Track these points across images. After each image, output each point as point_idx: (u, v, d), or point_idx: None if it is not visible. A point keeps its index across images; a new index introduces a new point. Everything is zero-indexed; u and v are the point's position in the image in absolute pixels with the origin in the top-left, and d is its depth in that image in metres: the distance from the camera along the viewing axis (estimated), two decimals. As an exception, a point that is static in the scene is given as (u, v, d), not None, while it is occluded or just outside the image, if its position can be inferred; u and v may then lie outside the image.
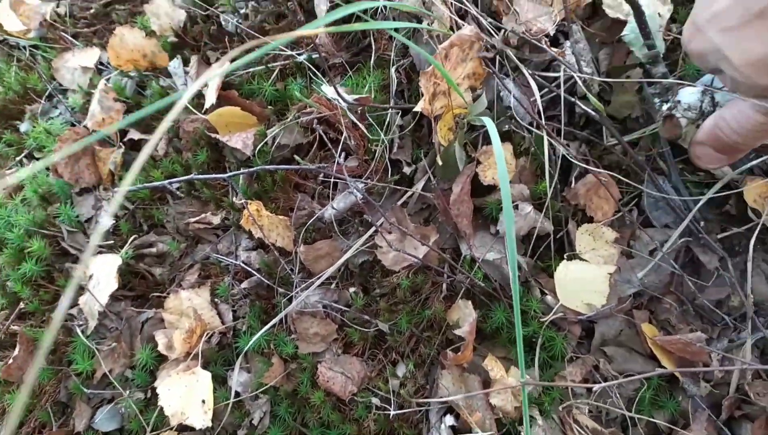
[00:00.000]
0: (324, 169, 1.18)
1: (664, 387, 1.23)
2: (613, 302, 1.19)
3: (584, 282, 1.22)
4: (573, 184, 1.27)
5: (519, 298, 1.19)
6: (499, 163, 0.82)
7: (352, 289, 1.30)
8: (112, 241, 1.41)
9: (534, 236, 1.25)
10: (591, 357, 1.24)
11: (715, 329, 1.23)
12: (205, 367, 1.28)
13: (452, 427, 1.17)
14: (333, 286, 1.31)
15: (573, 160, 1.19)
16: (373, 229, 1.24)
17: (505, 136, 1.25)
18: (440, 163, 1.20)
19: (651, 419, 1.22)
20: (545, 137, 1.16)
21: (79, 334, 1.29)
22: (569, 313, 1.22)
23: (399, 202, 1.26)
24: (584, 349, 1.26)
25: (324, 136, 1.27)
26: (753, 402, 1.16)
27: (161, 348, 1.28)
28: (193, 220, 1.39)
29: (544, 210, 1.23)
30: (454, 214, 1.21)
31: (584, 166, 1.20)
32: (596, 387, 0.88)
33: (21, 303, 1.33)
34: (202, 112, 1.41)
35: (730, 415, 1.20)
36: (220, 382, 1.29)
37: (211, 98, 1.38)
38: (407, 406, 1.22)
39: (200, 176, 1.34)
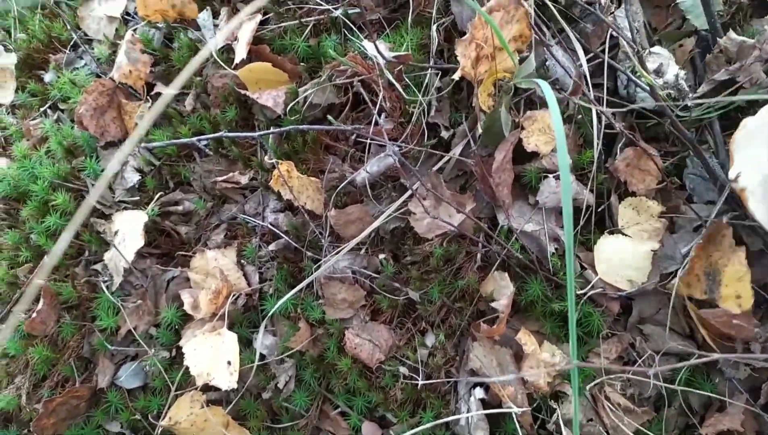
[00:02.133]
0: (359, 130, 1.13)
1: (700, 368, 1.19)
2: (655, 278, 1.15)
3: (625, 257, 1.17)
4: (617, 156, 1.21)
5: (558, 272, 1.15)
6: (557, 131, 0.76)
7: (382, 256, 1.26)
8: (138, 198, 1.38)
9: (580, 209, 1.21)
10: (627, 334, 1.20)
11: (758, 312, 1.18)
12: (230, 328, 1.26)
13: (482, 400, 1.15)
14: (363, 251, 1.28)
15: (619, 129, 1.13)
16: (407, 194, 1.20)
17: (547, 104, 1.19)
18: (482, 128, 1.14)
19: (685, 400, 1.19)
20: (593, 106, 1.10)
21: (104, 289, 1.27)
22: (608, 289, 1.18)
23: (435, 168, 1.22)
24: (620, 326, 1.22)
25: (360, 97, 1.22)
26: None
27: (187, 307, 1.26)
28: (220, 178, 1.36)
29: (590, 182, 1.18)
30: (494, 183, 1.16)
31: (630, 135, 1.14)
32: (630, 369, 0.85)
33: (45, 257, 1.31)
34: (232, 67, 1.35)
35: (767, 401, 1.17)
36: (244, 344, 1.27)
37: (241, 53, 1.33)
38: (435, 377, 1.19)
39: (229, 134, 1.30)
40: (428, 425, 1.14)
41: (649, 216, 1.20)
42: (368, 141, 1.11)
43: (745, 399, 1.16)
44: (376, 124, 1.14)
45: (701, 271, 1.12)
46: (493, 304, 1.11)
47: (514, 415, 1.06)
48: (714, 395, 1.17)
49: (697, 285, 1.13)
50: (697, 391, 1.17)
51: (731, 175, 1.06)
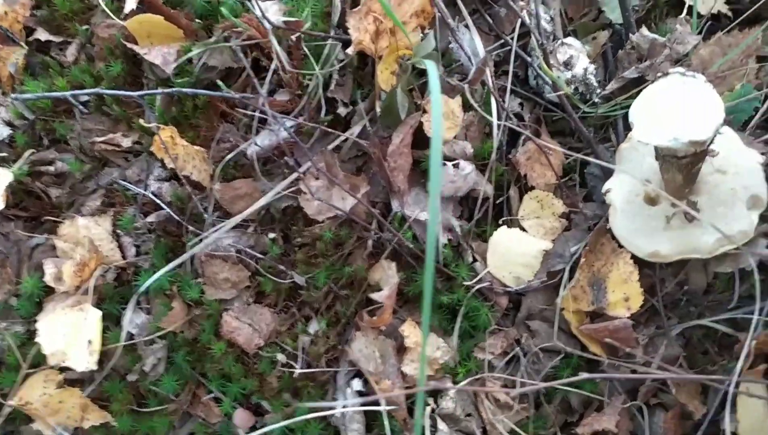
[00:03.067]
0: (248, 100, 1.04)
1: (583, 367, 1.18)
2: (542, 277, 1.13)
3: (517, 253, 1.15)
4: (520, 148, 1.18)
5: (450, 264, 1.11)
6: (433, 108, 0.70)
7: (271, 235, 1.19)
8: (6, 154, 1.24)
9: (474, 199, 1.17)
10: (514, 330, 1.18)
11: (644, 315, 1.19)
12: (99, 304, 1.16)
13: (359, 392, 1.10)
14: (251, 230, 1.20)
15: (515, 127, 1.10)
16: (298, 172, 1.12)
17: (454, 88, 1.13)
18: (380, 108, 1.08)
19: (566, 398, 1.18)
20: (493, 94, 1.06)
21: (-47, 253, 1.14)
22: (496, 284, 1.15)
23: (331, 147, 1.15)
24: (509, 322, 1.20)
25: (256, 63, 1.12)
26: (670, 392, 1.13)
27: (48, 278, 1.15)
28: (99, 139, 1.24)
29: (487, 172, 1.14)
30: (389, 167, 1.10)
31: (526, 133, 1.10)
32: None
33: None
34: (121, 17, 1.23)
35: (645, 402, 1.17)
36: (115, 321, 1.18)
37: (131, 2, 1.20)
38: (315, 366, 1.13)
39: (109, 91, 1.19)
40: (303, 417, 1.08)
41: (551, 213, 1.17)
42: (256, 113, 1.02)
43: (623, 399, 1.17)
44: (270, 94, 1.06)
45: (585, 282, 1.11)
46: (374, 296, 1.06)
47: (383, 412, 1.02)
48: (593, 395, 1.17)
49: (584, 297, 1.12)
50: (578, 390, 1.17)
51: (605, 187, 1.05)
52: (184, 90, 1.02)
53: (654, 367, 1.16)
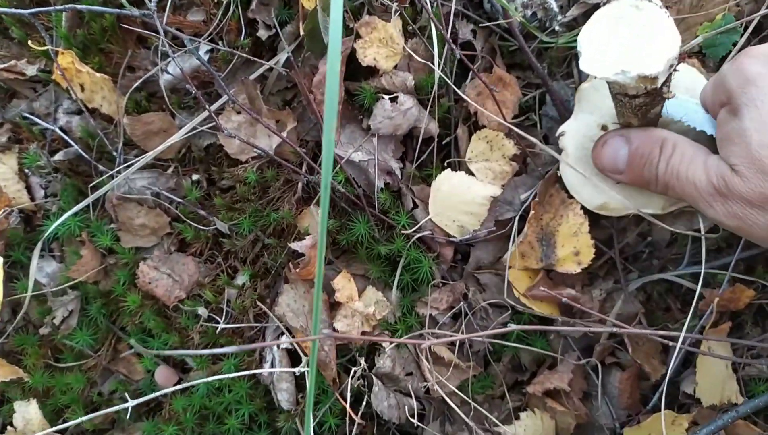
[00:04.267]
0: (150, 18, 0.89)
1: (534, 322, 1.09)
2: (489, 226, 1.02)
3: (461, 199, 1.02)
4: (469, 82, 1.04)
5: (389, 211, 1.00)
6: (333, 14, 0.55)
7: (194, 177, 1.07)
8: None
9: (416, 139, 1.04)
10: (461, 284, 1.08)
11: (603, 268, 1.09)
12: (6, 250, 1.06)
13: (287, 350, 1.02)
14: (171, 171, 1.08)
15: (464, 60, 0.95)
16: (215, 105, 0.99)
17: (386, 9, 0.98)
18: (304, 32, 0.93)
19: (516, 356, 1.10)
20: (429, 16, 0.91)
21: None
22: (438, 233, 1.04)
23: (254, 76, 1.01)
24: (457, 274, 1.10)
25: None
26: (626, 351, 1.05)
27: (-55, 223, 1.04)
28: (1, 66, 1.10)
29: (428, 108, 1.01)
30: (317, 100, 0.97)
31: (472, 68, 0.96)
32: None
33: None
34: (19, -77, 1.06)
35: (601, 361, 1.09)
36: (23, 269, 1.08)
37: None
38: (242, 321, 1.04)
39: (4, 9, 1.04)
40: (229, 375, 1.00)
41: (501, 155, 1.04)
42: (160, 37, 0.88)
43: (577, 356, 1.08)
44: (168, 12, 0.91)
45: (534, 237, 1.00)
46: (294, 245, 0.95)
47: (309, 371, 0.94)
48: (546, 352, 1.08)
49: (532, 254, 1.01)
50: (529, 347, 1.08)
51: (559, 129, 0.92)
52: (78, 6, 0.88)
53: (609, 324, 1.07)
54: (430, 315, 1.06)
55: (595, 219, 1.06)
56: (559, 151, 0.93)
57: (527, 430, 1.05)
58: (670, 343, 0.91)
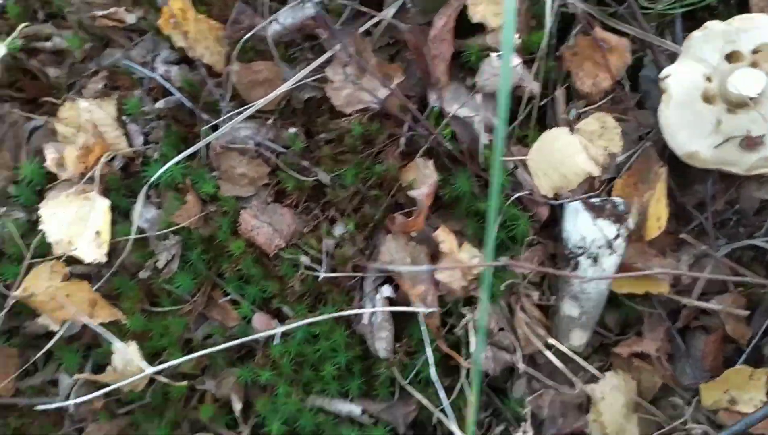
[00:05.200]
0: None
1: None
2: (585, 188, 1.04)
3: (562, 162, 1.04)
4: (570, 41, 1.05)
5: (480, 164, 1.02)
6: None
7: (293, 129, 1.08)
8: (-3, 25, 1.11)
9: (518, 98, 1.06)
10: (552, 244, 1.10)
11: (691, 233, 1.11)
12: (105, 195, 1.07)
13: (389, 299, 1.04)
14: (270, 122, 1.09)
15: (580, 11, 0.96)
16: (325, 56, 1.00)
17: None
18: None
19: (603, 317, 1.12)
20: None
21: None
22: (536, 193, 1.06)
23: (361, 29, 1.02)
24: (547, 234, 1.12)
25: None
26: (712, 314, 1.07)
27: (50, 164, 1.05)
28: (101, 13, 1.10)
29: (535, 67, 1.02)
30: (430, 55, 0.98)
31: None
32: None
33: None
34: None
35: (686, 325, 1.12)
36: (122, 214, 1.09)
37: None
38: (341, 270, 1.06)
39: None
40: (327, 316, 1.01)
41: (604, 146, 1.05)
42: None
43: (662, 320, 1.11)
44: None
45: None
46: (412, 193, 0.97)
47: (420, 316, 0.96)
48: (632, 315, 1.11)
49: None
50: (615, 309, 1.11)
51: (664, 72, 0.95)
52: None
53: (697, 292, 1.09)
54: (523, 273, 1.08)
55: (685, 186, 1.09)
56: (660, 93, 0.96)
57: (612, 389, 1.08)
58: None
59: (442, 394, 0.97)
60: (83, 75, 1.13)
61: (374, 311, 1.02)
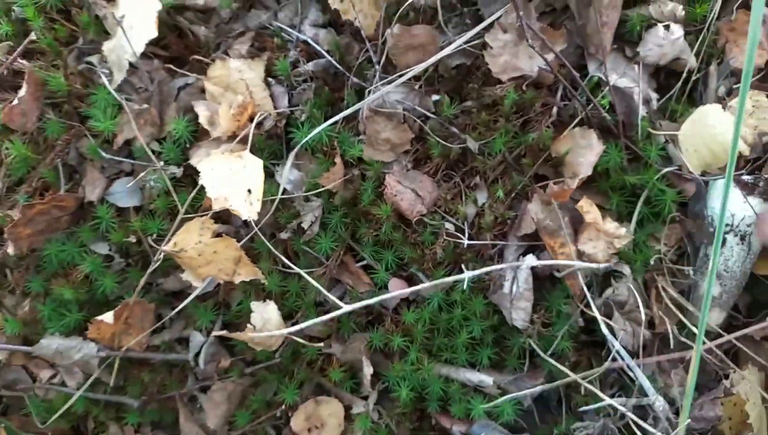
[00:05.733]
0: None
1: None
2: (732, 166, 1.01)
3: (714, 137, 1.03)
4: (733, 17, 1.03)
5: (641, 142, 1.01)
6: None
7: (435, 97, 1.08)
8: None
9: (671, 71, 1.04)
10: (690, 222, 1.09)
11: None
12: (253, 154, 1.08)
13: (532, 269, 1.03)
14: (417, 87, 1.09)
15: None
16: (487, 21, 0.99)
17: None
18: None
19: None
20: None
21: (106, 83, 1.05)
22: (684, 169, 1.04)
23: (523, -4, 1.01)
24: (684, 212, 1.10)
25: None
26: None
27: (203, 121, 1.07)
28: (251, -26, 1.11)
29: (699, 42, 1.01)
30: (600, 21, 0.97)
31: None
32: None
33: (32, 34, 1.06)
34: None
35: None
36: (267, 174, 1.10)
37: None
38: (483, 239, 1.06)
39: None
40: (468, 274, 0.99)
41: (754, 126, 1.03)
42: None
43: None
44: None
45: None
46: (574, 161, 0.96)
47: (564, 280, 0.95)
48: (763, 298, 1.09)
49: None
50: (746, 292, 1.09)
51: None
52: None
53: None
54: (662, 251, 1.07)
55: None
56: None
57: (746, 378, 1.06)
58: None
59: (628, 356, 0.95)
60: (230, 35, 1.14)
61: (516, 279, 1.02)
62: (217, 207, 0.98)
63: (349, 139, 1.08)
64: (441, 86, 1.10)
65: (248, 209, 1.00)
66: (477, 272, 0.92)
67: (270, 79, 1.11)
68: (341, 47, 1.09)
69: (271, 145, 1.11)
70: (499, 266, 1.00)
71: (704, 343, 1.11)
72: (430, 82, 1.10)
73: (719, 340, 1.05)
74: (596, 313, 0.96)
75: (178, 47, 1.14)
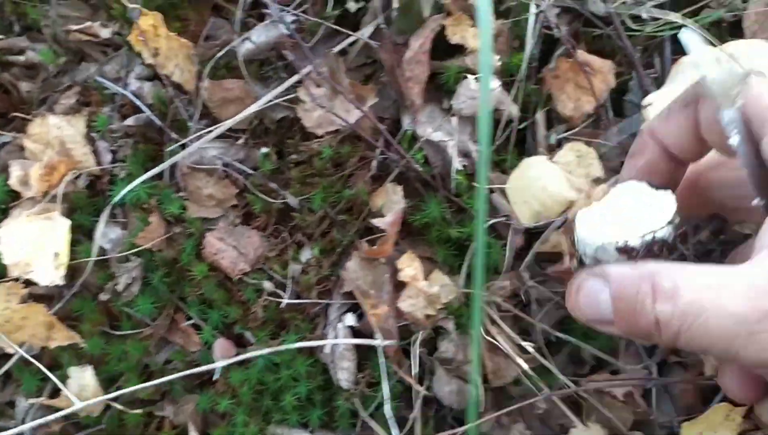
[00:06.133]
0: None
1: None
2: (567, 215, 1.00)
3: (543, 190, 1.00)
4: (552, 64, 1.02)
5: (462, 194, 0.99)
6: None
7: (264, 150, 1.05)
8: (-30, 39, 1.10)
9: (496, 121, 1.02)
10: (527, 272, 1.06)
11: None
12: (71, 214, 1.04)
13: (351, 328, 1.00)
14: (241, 142, 1.06)
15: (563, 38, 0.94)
16: (296, 77, 0.97)
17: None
18: (398, 5, 0.92)
19: (576, 350, 1.07)
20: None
21: None
22: (514, 219, 1.02)
23: (336, 49, 0.99)
24: (523, 262, 1.08)
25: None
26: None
27: (14, 182, 1.03)
28: (75, 28, 1.09)
29: (514, 89, 0.99)
30: (404, 77, 0.95)
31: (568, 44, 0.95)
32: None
33: None
34: None
35: (663, 360, 1.07)
36: (87, 234, 1.06)
37: None
38: (305, 296, 1.02)
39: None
40: (287, 346, 0.98)
41: (585, 173, 1.01)
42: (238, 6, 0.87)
43: (637, 353, 1.06)
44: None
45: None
46: (375, 221, 0.94)
47: (379, 348, 0.92)
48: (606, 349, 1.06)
49: None
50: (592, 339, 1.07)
51: (647, 99, 0.91)
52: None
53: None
54: (495, 302, 1.04)
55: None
56: (641, 121, 0.92)
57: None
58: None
59: (395, 432, 0.93)
60: (56, 90, 1.11)
61: (336, 341, 0.98)
62: (14, 274, 0.95)
63: (170, 195, 1.04)
64: (269, 139, 1.07)
65: (52, 274, 0.96)
66: (272, 349, 0.87)
67: (94, 135, 1.08)
68: (166, 101, 1.06)
69: (96, 203, 1.08)
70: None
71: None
72: (258, 135, 1.07)
73: (563, 391, 1.02)
74: (407, 377, 0.93)
75: (4, 103, 1.11)
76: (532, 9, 0.94)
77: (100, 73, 1.10)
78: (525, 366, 0.99)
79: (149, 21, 0.98)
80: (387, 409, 0.91)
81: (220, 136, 1.04)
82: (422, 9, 0.89)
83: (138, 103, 1.06)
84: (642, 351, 1.06)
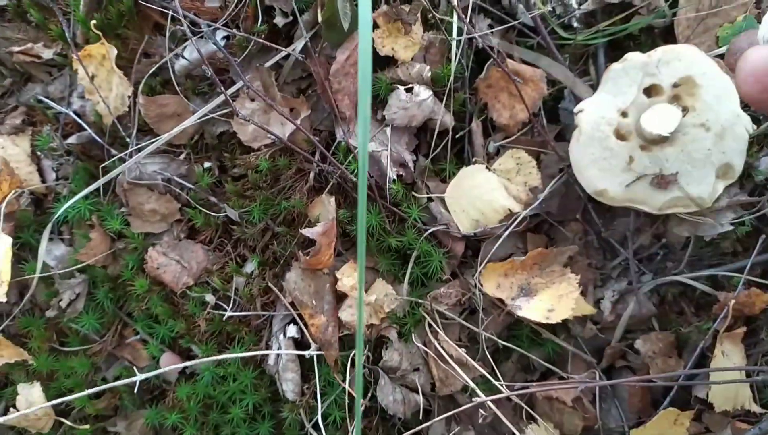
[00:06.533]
0: (167, 2, 0.89)
1: (546, 323, 1.07)
2: (506, 223, 1.00)
3: (481, 198, 1.01)
4: (484, 74, 1.03)
5: (401, 203, 0.99)
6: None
7: (206, 164, 1.06)
8: None
9: (431, 132, 1.03)
10: (471, 280, 1.07)
11: (616, 268, 1.07)
12: (16, 232, 1.05)
13: (294, 339, 1.00)
14: (182, 157, 1.07)
15: (485, 46, 0.94)
16: (230, 91, 0.98)
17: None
18: (322, 19, 0.93)
19: (525, 353, 1.08)
20: (455, 13, 0.91)
21: None
22: (453, 227, 1.03)
23: (269, 64, 1.00)
24: (466, 269, 1.09)
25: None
26: (638, 353, 1.03)
27: (-43, 202, 1.04)
28: (17, 49, 1.10)
29: (444, 100, 1.00)
30: (333, 89, 0.96)
31: (493, 55, 0.95)
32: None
33: None
34: None
35: (611, 364, 1.08)
36: (33, 252, 1.07)
37: None
38: (249, 309, 1.03)
39: (23, -8, 1.04)
40: (230, 355, 0.99)
41: (524, 181, 1.03)
42: (185, 22, 0.88)
43: (587, 359, 1.06)
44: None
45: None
46: (305, 231, 0.94)
47: (314, 357, 0.92)
48: (556, 353, 1.07)
49: None
50: (539, 347, 1.07)
51: (578, 106, 0.92)
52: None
53: (621, 327, 1.05)
54: (438, 310, 1.05)
55: (609, 219, 1.06)
56: (574, 128, 0.92)
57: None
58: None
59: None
60: (2, 111, 1.12)
61: (275, 352, 0.99)
62: (-44, 294, 0.95)
63: (112, 212, 1.05)
64: (211, 154, 1.08)
65: (-7, 292, 0.97)
66: (215, 358, 0.88)
67: (39, 154, 1.09)
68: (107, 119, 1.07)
69: (42, 220, 1.09)
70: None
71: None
72: (200, 150, 1.08)
73: (500, 395, 1.03)
74: (348, 387, 0.93)
75: (-50, 125, 1.12)
76: (455, 19, 0.94)
77: (45, 93, 1.11)
78: (467, 378, 0.99)
79: (102, 51, 0.99)
80: (319, 420, 0.91)
81: (160, 152, 1.05)
82: (342, 25, 0.89)
83: (79, 121, 1.07)
84: (590, 357, 1.06)
